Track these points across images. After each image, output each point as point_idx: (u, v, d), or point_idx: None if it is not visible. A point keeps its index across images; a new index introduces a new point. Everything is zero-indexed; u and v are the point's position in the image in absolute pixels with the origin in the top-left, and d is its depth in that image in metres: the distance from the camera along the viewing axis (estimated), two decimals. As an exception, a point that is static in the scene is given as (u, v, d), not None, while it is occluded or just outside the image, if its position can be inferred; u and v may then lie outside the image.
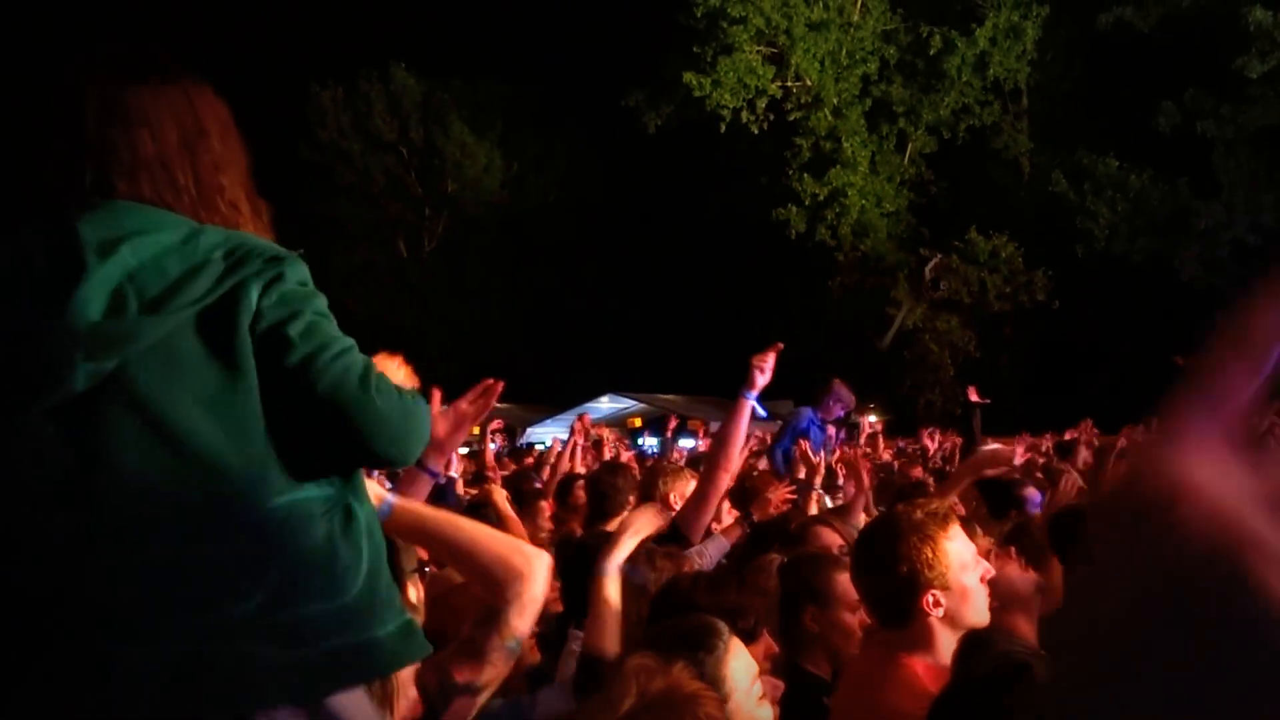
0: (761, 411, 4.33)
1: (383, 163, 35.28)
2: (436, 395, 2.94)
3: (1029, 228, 27.26)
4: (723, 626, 2.38)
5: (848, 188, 27.57)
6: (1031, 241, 26.99)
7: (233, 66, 34.78)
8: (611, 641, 2.91)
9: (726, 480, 4.37)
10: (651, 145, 29.25)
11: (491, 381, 3.02)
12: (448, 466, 7.24)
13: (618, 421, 25.76)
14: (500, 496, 4.87)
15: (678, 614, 2.64)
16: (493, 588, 2.22)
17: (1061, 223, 26.55)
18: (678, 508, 4.73)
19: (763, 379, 4.22)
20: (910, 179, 29.44)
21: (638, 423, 26.21)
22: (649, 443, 20.96)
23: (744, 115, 27.26)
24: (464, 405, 2.96)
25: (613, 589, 2.96)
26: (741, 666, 2.31)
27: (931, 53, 27.45)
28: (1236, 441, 0.58)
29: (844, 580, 3.02)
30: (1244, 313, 0.60)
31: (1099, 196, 26.30)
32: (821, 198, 27.68)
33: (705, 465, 4.48)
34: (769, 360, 4.23)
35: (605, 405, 27.01)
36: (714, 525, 5.09)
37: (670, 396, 28.57)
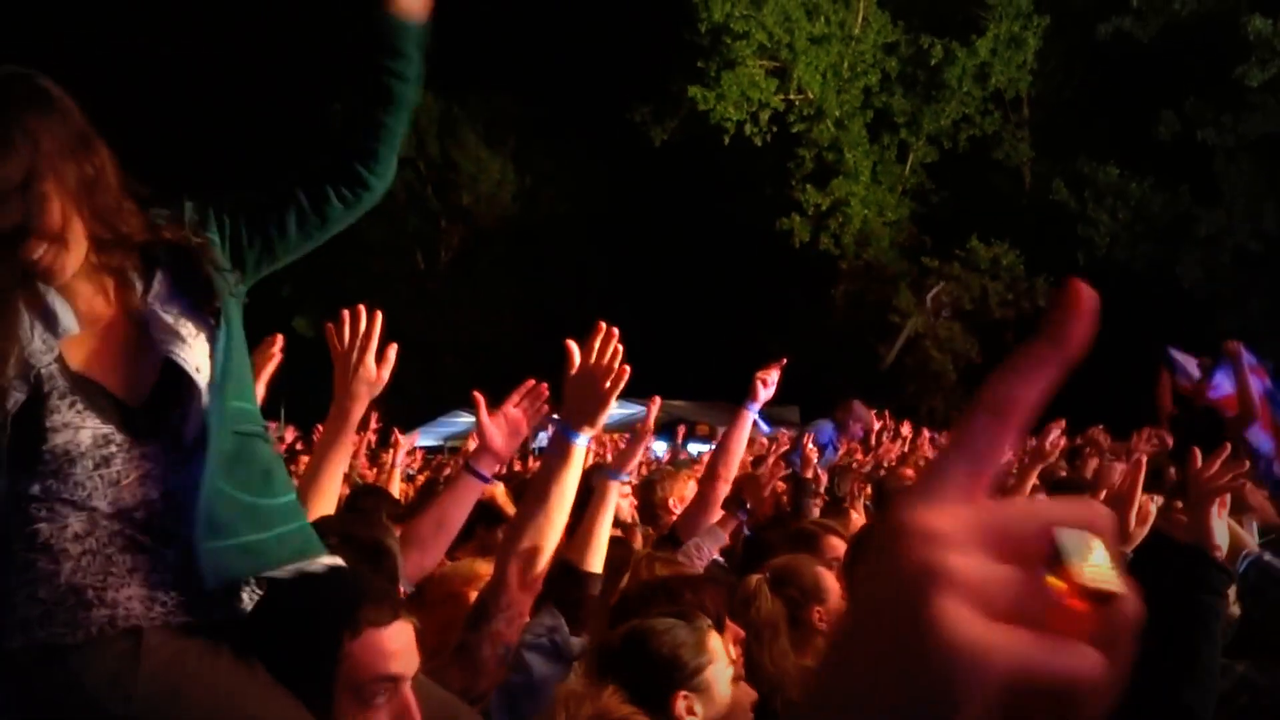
0: (765, 427, 4.52)
1: (401, 177, 35.90)
2: (480, 400, 3.06)
3: (1030, 235, 27.43)
4: (703, 615, 2.50)
5: (850, 197, 27.94)
6: (1033, 249, 27.19)
7: (260, 88, 35.81)
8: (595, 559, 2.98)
9: (725, 489, 4.43)
10: (658, 158, 29.72)
11: (534, 383, 3.12)
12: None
13: (626, 426, 26.12)
14: (500, 492, 4.95)
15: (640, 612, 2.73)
16: (514, 577, 2.42)
17: (1063, 230, 26.69)
18: (676, 510, 4.84)
19: (765, 392, 4.33)
20: (912, 188, 29.75)
21: (647, 428, 26.57)
22: (657, 446, 21.19)
23: (748, 128, 27.69)
24: (512, 410, 3.07)
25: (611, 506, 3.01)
26: (719, 646, 2.44)
27: (932, 64, 27.76)
28: (983, 494, 0.59)
29: (825, 572, 3.24)
30: (1002, 382, 0.63)
31: (1100, 204, 26.41)
32: (824, 208, 28.07)
33: (705, 474, 4.54)
34: (773, 374, 4.36)
35: (614, 410, 27.33)
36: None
37: (678, 402, 28.88)
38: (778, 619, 3.18)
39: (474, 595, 2.81)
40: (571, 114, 33.79)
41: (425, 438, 28.22)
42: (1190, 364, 8.05)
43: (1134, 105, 26.39)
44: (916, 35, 28.28)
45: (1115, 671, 0.51)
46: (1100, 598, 0.51)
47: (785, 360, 4.35)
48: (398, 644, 1.77)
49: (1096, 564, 0.52)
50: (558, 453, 2.67)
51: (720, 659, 2.43)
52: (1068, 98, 29.00)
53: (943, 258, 27.58)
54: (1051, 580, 0.51)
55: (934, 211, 29.60)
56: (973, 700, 0.49)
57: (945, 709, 0.49)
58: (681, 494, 4.99)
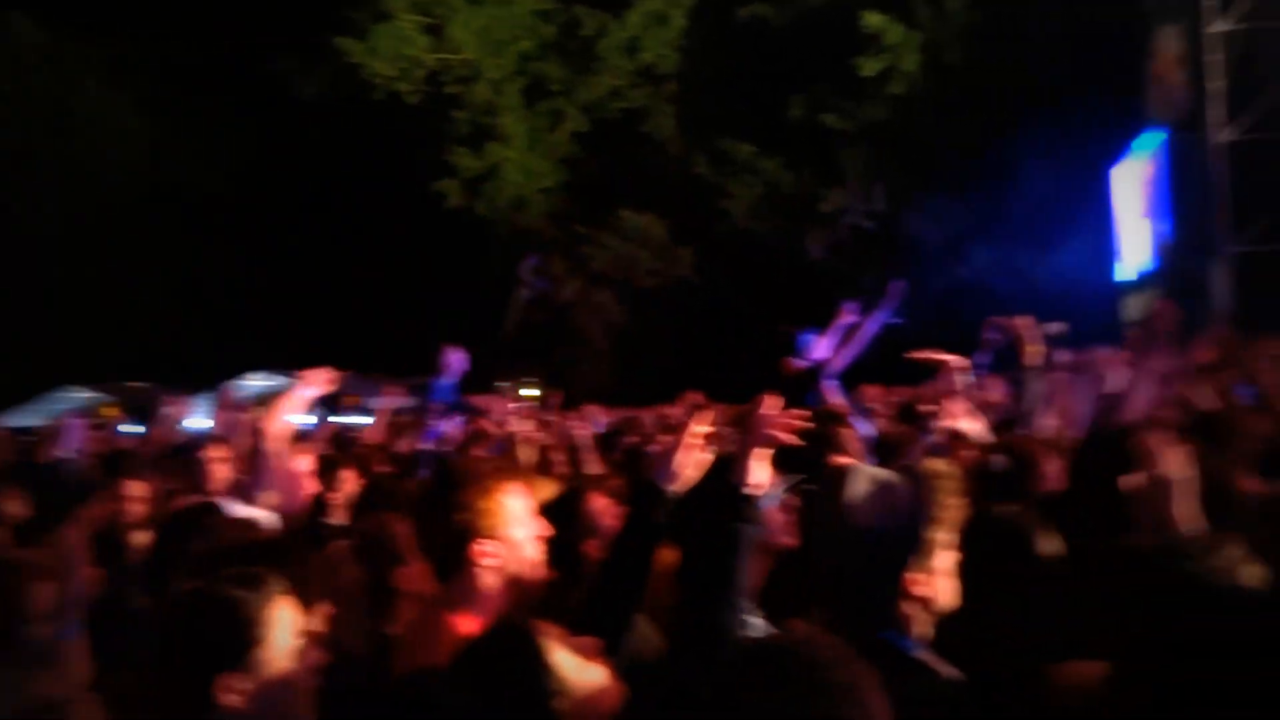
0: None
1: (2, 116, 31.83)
2: None
3: (675, 207, 28.72)
4: (277, 579, 2.28)
5: (505, 163, 27.95)
6: (677, 220, 28.51)
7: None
8: None
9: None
10: (307, 118, 28.26)
11: None
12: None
13: (270, 400, 24.80)
14: None
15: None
16: None
17: (704, 203, 28.20)
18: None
19: None
20: (566, 157, 30.18)
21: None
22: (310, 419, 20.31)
23: (400, 85, 26.90)
24: None
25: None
26: (287, 619, 2.22)
27: (584, 34, 28.20)
28: None
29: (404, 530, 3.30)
30: None
31: (737, 179, 28.18)
32: (479, 172, 27.89)
33: None
34: None
35: (257, 383, 25.94)
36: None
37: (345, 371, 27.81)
38: (356, 586, 3.21)
39: None
40: (210, 60, 31.23)
41: (31, 416, 25.57)
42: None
43: (768, 87, 28.19)
44: (570, 4, 28.54)
45: None
46: None
47: None
48: None
49: None
50: None
51: (284, 631, 2.18)
52: (709, 76, 30.42)
53: (595, 225, 28.23)
54: None
55: (586, 180, 30.21)
56: None
57: None
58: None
